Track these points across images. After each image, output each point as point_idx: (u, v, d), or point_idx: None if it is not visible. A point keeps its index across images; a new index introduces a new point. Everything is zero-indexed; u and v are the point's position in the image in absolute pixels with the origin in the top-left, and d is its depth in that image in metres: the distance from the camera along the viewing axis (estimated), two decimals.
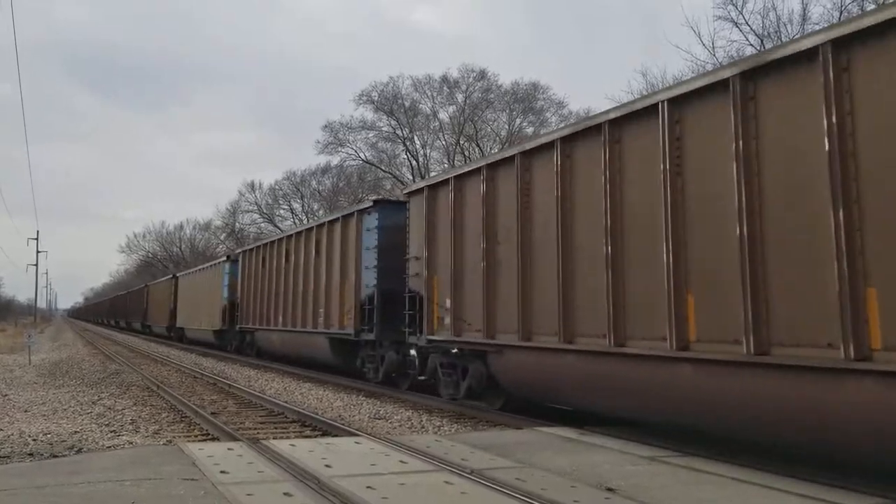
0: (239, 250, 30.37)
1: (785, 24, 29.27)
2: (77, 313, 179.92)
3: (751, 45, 29.09)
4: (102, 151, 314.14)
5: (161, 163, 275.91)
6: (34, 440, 9.60)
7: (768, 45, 27.06)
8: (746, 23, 29.59)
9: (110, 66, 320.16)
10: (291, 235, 22.18)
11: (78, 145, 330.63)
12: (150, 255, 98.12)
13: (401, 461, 7.42)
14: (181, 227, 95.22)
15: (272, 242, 24.16)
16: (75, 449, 9.11)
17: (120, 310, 74.31)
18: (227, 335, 29.17)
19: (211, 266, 33.94)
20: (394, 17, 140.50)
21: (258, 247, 25.95)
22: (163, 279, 50.28)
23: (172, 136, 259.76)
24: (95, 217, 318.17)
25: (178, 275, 43.07)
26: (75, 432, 10.33)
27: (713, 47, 30.44)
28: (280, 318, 22.00)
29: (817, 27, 24.79)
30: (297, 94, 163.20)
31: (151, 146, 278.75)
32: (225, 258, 31.11)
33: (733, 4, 29.36)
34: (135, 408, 13.13)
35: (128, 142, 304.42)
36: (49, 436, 9.95)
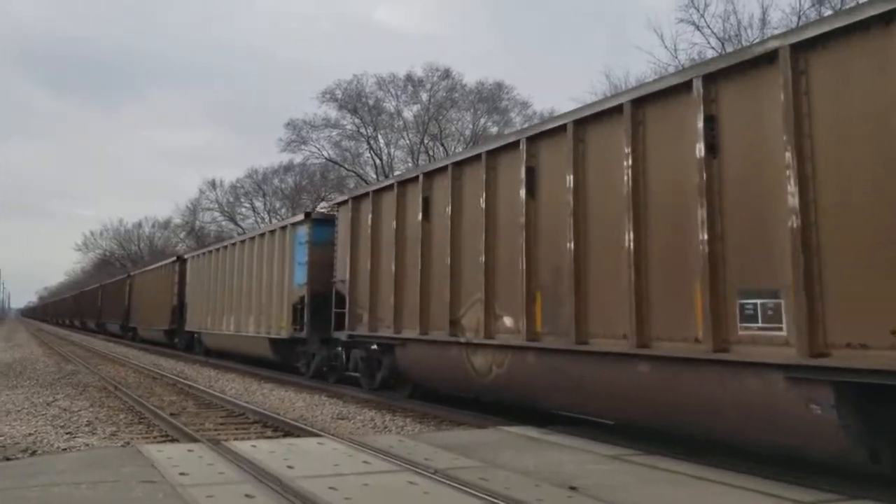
0: (187, 255, 31.72)
1: (745, 28, 29.83)
2: (31, 313, 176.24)
3: (712, 48, 29.60)
4: (57, 148, 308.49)
5: (117, 160, 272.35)
6: None
7: (729, 49, 27.51)
8: (708, 26, 30.11)
9: (63, 61, 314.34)
10: (235, 243, 23.88)
11: (31, 142, 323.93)
12: (108, 254, 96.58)
13: (364, 461, 7.37)
14: (140, 224, 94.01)
15: (217, 249, 25.76)
16: (30, 451, 8.89)
17: (75, 309, 73.45)
18: (177, 334, 30.39)
19: (162, 266, 34.72)
20: (355, 15, 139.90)
21: (204, 253, 27.58)
22: (117, 278, 50.17)
23: (128, 134, 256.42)
24: (50, 215, 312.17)
25: (132, 273, 43.31)
26: (29, 434, 10.08)
27: (675, 50, 30.90)
28: (224, 321, 23.71)
29: (777, 31, 25.28)
30: (257, 92, 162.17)
31: (107, 143, 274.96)
32: (175, 259, 32.08)
33: (695, 8, 29.83)
34: (91, 409, 12.87)
35: (83, 139, 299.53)
36: (2, 438, 9.70)
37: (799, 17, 26.76)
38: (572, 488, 6.22)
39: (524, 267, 9.70)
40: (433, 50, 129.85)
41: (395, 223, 13.08)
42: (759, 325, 6.69)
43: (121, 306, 43.14)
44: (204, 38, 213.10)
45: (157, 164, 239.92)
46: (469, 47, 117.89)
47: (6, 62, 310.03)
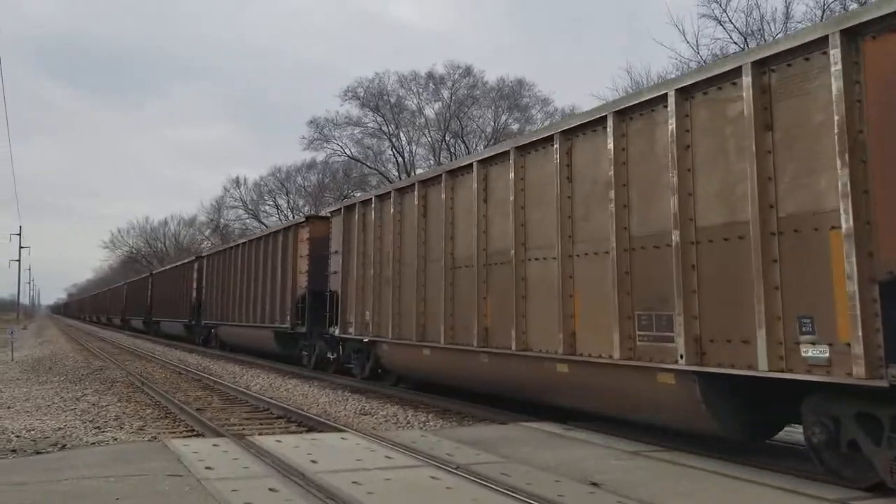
0: (204, 253, 34.01)
1: (768, 23, 29.48)
2: (61, 309, 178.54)
3: (734, 42, 29.29)
4: (80, 147, 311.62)
5: (140, 158, 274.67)
6: (17, 437, 9.54)
7: (752, 44, 27.24)
8: (730, 20, 29.78)
9: (85, 60, 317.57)
10: (245, 243, 25.63)
11: (53, 141, 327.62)
12: (134, 251, 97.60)
13: (386, 456, 7.45)
14: (165, 222, 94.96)
15: (231, 248, 27.69)
16: (59, 445, 9.06)
17: (101, 306, 75.28)
18: (195, 329, 32.13)
19: (182, 264, 36.57)
20: (374, 12, 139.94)
21: (219, 251, 29.69)
22: (141, 276, 52.13)
23: (151, 132, 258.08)
24: (76, 213, 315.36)
25: (154, 272, 45.29)
26: (59, 429, 10.27)
27: (697, 45, 30.62)
28: (236, 315, 25.39)
29: (800, 25, 25.04)
30: (279, 90, 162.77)
31: (130, 142, 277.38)
32: (194, 258, 33.75)
33: (717, 2, 29.54)
34: (119, 404, 13.07)
35: (106, 137, 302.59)
36: (32, 432, 9.89)
37: (823, 11, 26.42)
38: (593, 484, 6.25)
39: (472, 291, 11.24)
40: (452, 47, 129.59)
41: (374, 235, 14.42)
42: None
43: (144, 303, 45.01)
44: (225, 36, 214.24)
45: (180, 163, 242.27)
46: (489, 44, 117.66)
47: (28, 61, 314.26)
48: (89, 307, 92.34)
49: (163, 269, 44.67)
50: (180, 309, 34.63)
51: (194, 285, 32.10)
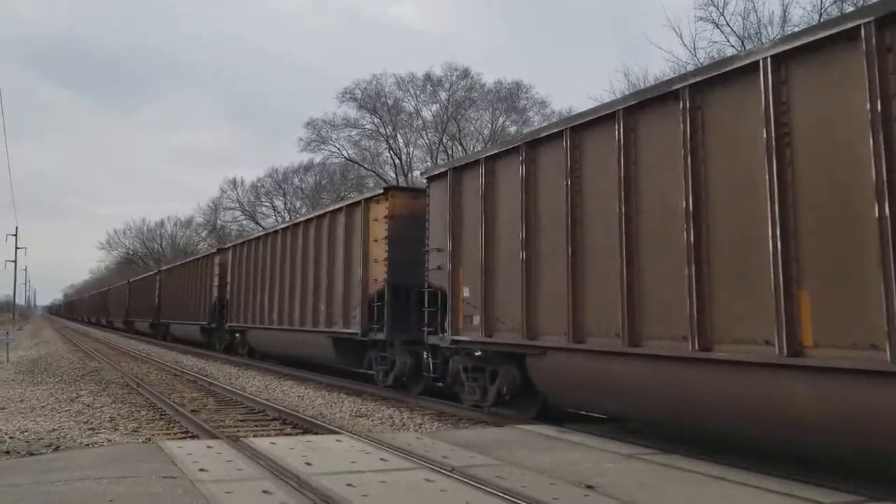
0: (229, 244, 28.84)
1: (765, 26, 29.57)
2: (57, 311, 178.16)
3: (731, 45, 29.34)
4: (74, 149, 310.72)
5: (135, 160, 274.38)
6: (11, 438, 9.50)
7: (749, 46, 27.26)
8: (728, 24, 29.85)
9: (80, 61, 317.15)
10: (288, 228, 20.47)
11: (49, 142, 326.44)
12: (131, 252, 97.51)
13: (381, 459, 7.42)
14: (162, 223, 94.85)
15: (266, 235, 22.55)
16: (53, 447, 9.03)
17: (101, 307, 72.77)
18: (216, 333, 27.68)
19: (199, 259, 31.95)
20: (372, 13, 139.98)
21: (250, 240, 24.28)
22: (146, 274, 48.61)
23: (147, 134, 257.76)
24: (71, 214, 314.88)
25: (162, 269, 41.41)
26: (53, 430, 10.24)
27: (694, 48, 30.68)
28: (274, 316, 20.52)
29: (797, 29, 25.03)
30: (276, 92, 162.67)
31: (125, 144, 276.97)
32: (215, 251, 28.99)
33: (714, 6, 29.60)
34: (114, 405, 13.04)
35: (101, 139, 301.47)
36: (26, 433, 9.86)
37: (820, 15, 26.47)
38: (589, 487, 6.23)
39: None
40: (450, 48, 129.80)
41: (522, 196, 10.11)
42: None
43: (150, 303, 40.97)
44: (220, 38, 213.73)
45: (176, 165, 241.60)
46: (486, 45, 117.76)
47: (23, 62, 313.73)
48: (88, 308, 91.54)
49: (174, 264, 39.27)
50: (196, 310, 29.99)
51: (215, 282, 27.22)
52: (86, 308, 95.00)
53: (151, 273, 45.04)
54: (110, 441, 9.59)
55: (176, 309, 34.55)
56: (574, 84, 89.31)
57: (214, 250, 29.37)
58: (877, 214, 5.93)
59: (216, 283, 27.23)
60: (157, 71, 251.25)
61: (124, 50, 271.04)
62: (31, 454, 8.49)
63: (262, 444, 8.20)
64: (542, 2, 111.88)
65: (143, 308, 43.96)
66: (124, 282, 56.33)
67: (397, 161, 54.55)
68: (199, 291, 29.95)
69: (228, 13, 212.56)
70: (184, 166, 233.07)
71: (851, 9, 22.38)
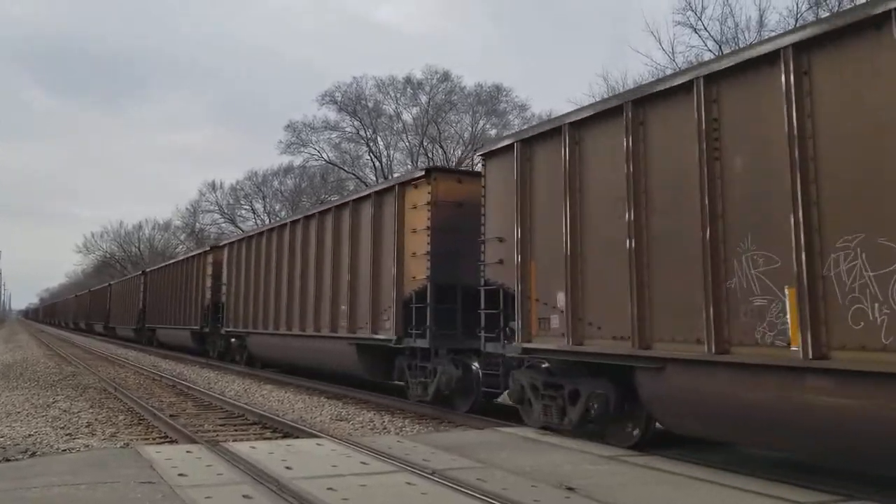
0: (224, 241, 26.70)
1: (742, 31, 29.87)
2: (33, 314, 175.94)
3: (709, 50, 29.60)
4: (56, 149, 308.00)
5: (117, 161, 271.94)
6: None
7: (726, 51, 27.53)
8: (705, 28, 30.12)
9: (64, 61, 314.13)
10: (298, 221, 18.05)
11: (29, 142, 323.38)
12: (108, 256, 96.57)
13: (362, 462, 7.40)
14: (140, 227, 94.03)
15: (271, 231, 20.10)
16: (29, 452, 8.92)
17: (80, 311, 70.80)
18: (209, 338, 25.88)
19: (189, 258, 29.72)
20: (355, 16, 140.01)
21: (250, 237, 22.02)
22: (129, 276, 47.05)
23: (129, 134, 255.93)
24: (49, 216, 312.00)
25: (147, 270, 39.27)
26: (29, 435, 10.11)
27: (673, 52, 30.91)
28: (281, 321, 18.27)
29: (773, 33, 25.31)
30: (257, 92, 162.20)
31: (107, 144, 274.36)
32: (208, 248, 27.00)
33: (692, 10, 29.86)
34: (91, 410, 12.90)
35: (82, 139, 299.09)
36: (2, 439, 9.73)
37: (796, 20, 26.78)
38: (569, 489, 6.25)
39: None
40: (431, 51, 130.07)
41: (629, 168, 8.10)
42: None
43: (133, 307, 38.55)
44: (202, 37, 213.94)
45: (156, 165, 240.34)
46: (468, 49, 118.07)
47: (5, 61, 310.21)
48: (66, 312, 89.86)
49: (161, 265, 36.88)
50: (185, 314, 27.93)
51: (208, 283, 25.19)
52: (64, 312, 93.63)
53: (135, 274, 43.12)
54: (88, 446, 9.49)
55: (163, 313, 32.25)
56: (557, 86, 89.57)
57: (207, 248, 27.44)
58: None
59: (209, 284, 25.24)
60: (140, 70, 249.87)
61: (107, 48, 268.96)
62: (7, 460, 8.38)
63: (242, 448, 8.15)
64: (536, 3, 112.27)
65: (126, 312, 41.62)
66: (105, 284, 55.22)
67: (377, 164, 54.47)
68: (189, 293, 27.82)
69: (211, 12, 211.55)
70: (168, 168, 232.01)
71: (826, 14, 22.66)
